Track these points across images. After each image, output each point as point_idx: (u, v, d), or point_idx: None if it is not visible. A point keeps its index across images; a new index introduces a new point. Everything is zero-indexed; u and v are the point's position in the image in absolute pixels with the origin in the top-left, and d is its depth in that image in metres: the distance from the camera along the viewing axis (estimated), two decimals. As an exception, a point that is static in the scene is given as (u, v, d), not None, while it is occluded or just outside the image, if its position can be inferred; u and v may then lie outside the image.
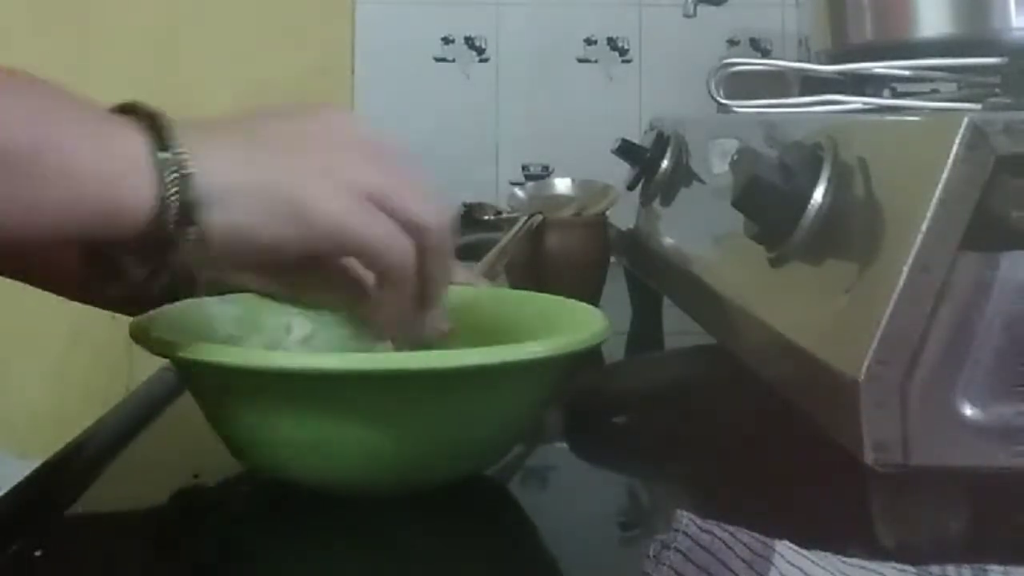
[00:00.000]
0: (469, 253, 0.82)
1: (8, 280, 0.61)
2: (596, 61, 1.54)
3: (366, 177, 0.47)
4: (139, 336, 0.49)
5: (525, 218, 0.86)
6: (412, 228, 0.47)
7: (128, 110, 0.45)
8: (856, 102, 0.74)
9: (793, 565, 0.36)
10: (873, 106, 0.74)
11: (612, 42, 1.54)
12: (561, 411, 0.62)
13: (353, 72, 1.51)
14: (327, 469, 0.48)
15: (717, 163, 0.69)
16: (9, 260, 0.57)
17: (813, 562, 0.36)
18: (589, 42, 1.53)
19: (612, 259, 0.90)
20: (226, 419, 0.49)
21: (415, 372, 0.45)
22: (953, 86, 0.85)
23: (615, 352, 0.81)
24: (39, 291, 0.63)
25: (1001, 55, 0.72)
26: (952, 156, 0.39)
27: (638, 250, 0.85)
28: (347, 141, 0.48)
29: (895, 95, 0.81)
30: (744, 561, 0.36)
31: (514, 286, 0.84)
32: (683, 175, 0.79)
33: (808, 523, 0.40)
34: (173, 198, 0.42)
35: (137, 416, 0.62)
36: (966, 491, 0.40)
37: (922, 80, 0.84)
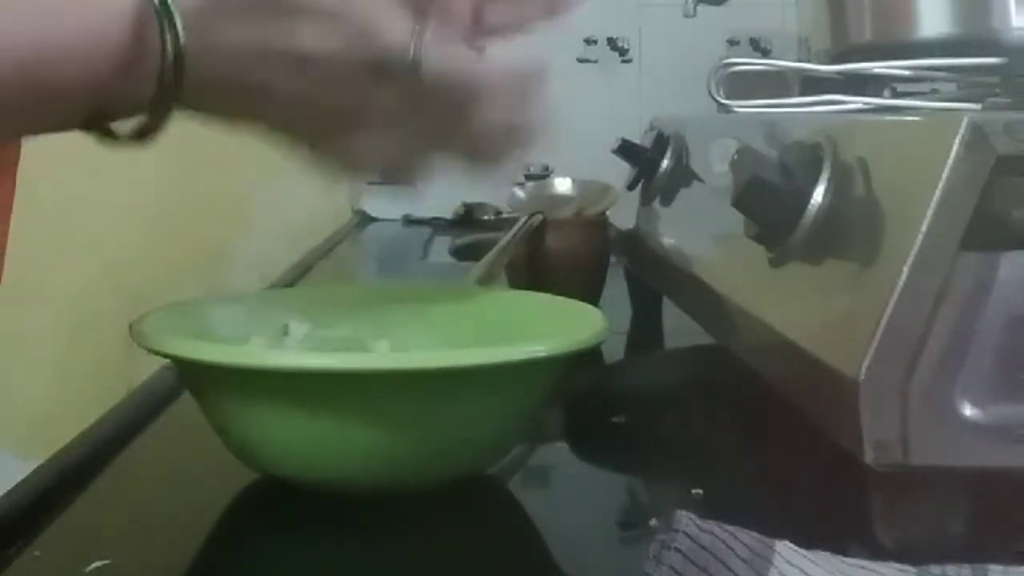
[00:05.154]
0: (469, 253, 0.82)
1: (8, 280, 0.61)
2: (596, 61, 1.53)
3: None
4: (139, 336, 0.49)
5: (525, 218, 0.86)
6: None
7: None
8: (856, 102, 0.74)
9: (793, 565, 0.36)
10: (873, 106, 0.74)
11: (612, 42, 1.53)
12: (561, 411, 0.62)
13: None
14: (327, 469, 0.48)
15: (717, 163, 0.69)
16: None
17: (813, 562, 0.36)
18: (589, 42, 1.53)
19: (612, 259, 0.90)
20: (226, 419, 0.49)
21: (415, 372, 0.45)
22: (953, 86, 0.85)
23: (615, 352, 0.81)
24: (39, 291, 0.63)
25: (1001, 55, 0.72)
26: (952, 156, 0.39)
27: (638, 250, 0.85)
28: None
29: (895, 95, 0.81)
30: (744, 561, 0.36)
31: (514, 286, 0.84)
32: (683, 175, 0.79)
33: (808, 523, 0.40)
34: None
35: (137, 416, 0.62)
36: (966, 491, 0.40)
37: (922, 80, 0.84)
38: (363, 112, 0.48)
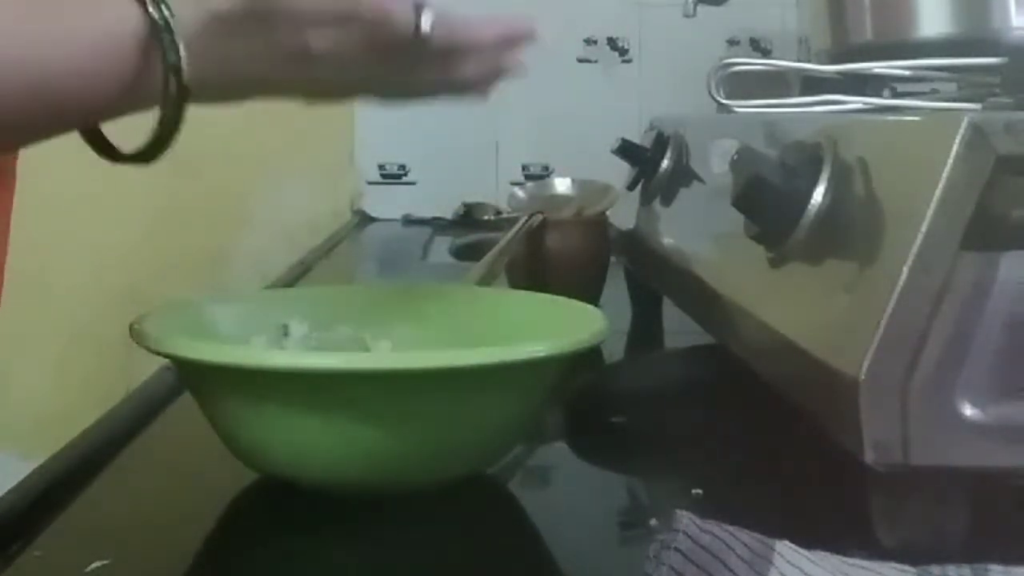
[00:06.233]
0: (469, 253, 0.82)
1: (8, 280, 0.61)
2: (596, 61, 1.54)
3: None
4: (139, 336, 0.49)
5: (525, 218, 0.86)
6: None
7: None
8: (856, 102, 0.74)
9: (793, 565, 0.36)
10: (873, 106, 0.74)
11: (612, 42, 1.53)
12: (561, 411, 0.62)
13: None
14: (327, 469, 0.48)
15: (717, 163, 0.69)
16: None
17: (813, 562, 0.36)
18: (589, 42, 1.53)
19: (612, 259, 0.90)
20: (226, 419, 0.49)
21: (415, 372, 0.45)
22: (953, 86, 0.85)
23: (615, 352, 0.81)
24: (39, 291, 0.63)
25: (1001, 55, 0.72)
26: (952, 156, 0.39)
27: (638, 250, 0.85)
28: None
29: (895, 95, 0.81)
30: (744, 561, 0.36)
31: (514, 286, 0.84)
32: (683, 175, 0.79)
33: (808, 523, 0.40)
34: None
35: (137, 416, 0.62)
36: (966, 491, 0.40)
37: (922, 80, 0.83)
38: (372, 81, 0.52)
